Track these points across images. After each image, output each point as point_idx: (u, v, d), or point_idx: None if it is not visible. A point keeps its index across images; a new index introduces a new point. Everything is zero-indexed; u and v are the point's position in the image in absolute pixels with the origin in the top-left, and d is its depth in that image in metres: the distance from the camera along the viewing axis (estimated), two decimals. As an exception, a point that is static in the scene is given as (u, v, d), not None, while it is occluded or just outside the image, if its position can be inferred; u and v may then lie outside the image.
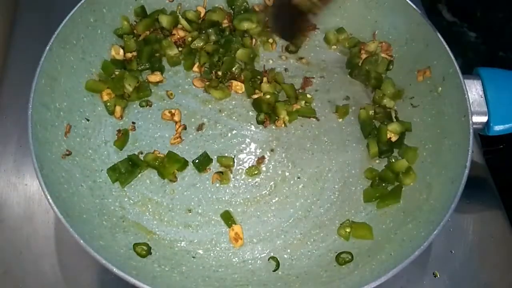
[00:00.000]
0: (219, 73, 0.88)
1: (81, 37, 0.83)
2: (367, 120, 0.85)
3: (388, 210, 0.78)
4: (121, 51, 0.87)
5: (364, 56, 0.90)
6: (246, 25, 0.91)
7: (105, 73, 0.85)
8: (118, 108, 0.84)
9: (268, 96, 0.86)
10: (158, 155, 0.81)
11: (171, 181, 0.80)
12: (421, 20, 0.84)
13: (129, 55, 0.87)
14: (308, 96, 0.88)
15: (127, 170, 0.79)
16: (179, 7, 0.93)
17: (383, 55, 0.89)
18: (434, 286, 0.80)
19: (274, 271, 0.74)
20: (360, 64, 0.89)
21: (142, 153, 0.82)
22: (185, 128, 0.84)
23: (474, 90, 0.82)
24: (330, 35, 0.93)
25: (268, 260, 0.75)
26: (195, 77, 0.89)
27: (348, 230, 0.76)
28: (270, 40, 0.93)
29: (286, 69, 0.91)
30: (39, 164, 0.70)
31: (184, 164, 0.81)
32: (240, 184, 0.81)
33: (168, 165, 0.79)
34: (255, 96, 0.87)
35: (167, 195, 0.80)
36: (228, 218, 0.77)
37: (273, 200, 0.80)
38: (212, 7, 0.93)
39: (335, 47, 0.93)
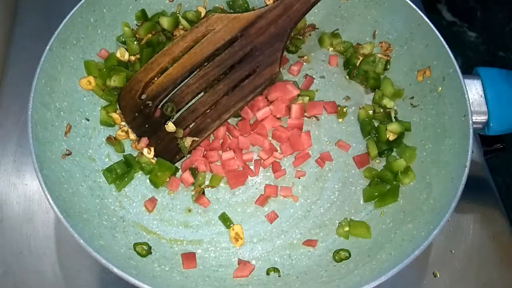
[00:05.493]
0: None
1: (81, 37, 0.83)
2: (367, 120, 0.85)
3: (388, 210, 0.78)
4: (127, 54, 0.87)
5: (361, 57, 0.89)
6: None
7: (106, 64, 0.85)
8: (115, 115, 0.83)
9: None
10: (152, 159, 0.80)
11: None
12: (421, 20, 0.84)
13: (132, 58, 0.87)
14: (312, 92, 0.88)
15: (124, 170, 0.79)
16: (179, 7, 0.93)
17: (379, 55, 0.89)
18: (434, 286, 0.80)
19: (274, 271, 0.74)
20: (358, 65, 0.89)
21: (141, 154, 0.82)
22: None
23: (474, 90, 0.82)
24: (325, 37, 0.92)
25: (268, 274, 0.74)
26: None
27: (346, 229, 0.76)
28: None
29: (286, 69, 0.91)
30: (39, 164, 0.70)
31: (175, 171, 0.80)
32: (240, 184, 0.81)
33: (160, 173, 0.78)
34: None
35: (167, 195, 0.80)
36: (226, 220, 0.78)
37: (273, 200, 0.80)
38: (212, 7, 0.93)
39: (332, 48, 0.93)
